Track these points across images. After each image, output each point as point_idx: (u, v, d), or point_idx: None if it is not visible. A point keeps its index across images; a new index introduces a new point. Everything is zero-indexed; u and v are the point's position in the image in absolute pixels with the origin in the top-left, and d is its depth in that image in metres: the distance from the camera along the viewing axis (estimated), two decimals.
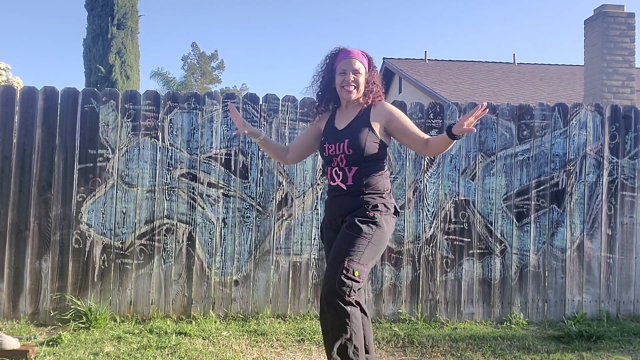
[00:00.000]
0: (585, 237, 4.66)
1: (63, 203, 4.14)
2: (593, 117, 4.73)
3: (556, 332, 4.16)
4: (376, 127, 2.63)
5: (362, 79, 2.64)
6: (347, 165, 2.58)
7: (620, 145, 4.75)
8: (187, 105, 4.32)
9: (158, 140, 4.28)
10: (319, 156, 4.35)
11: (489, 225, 4.56)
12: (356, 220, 2.50)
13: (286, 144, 4.29)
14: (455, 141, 2.51)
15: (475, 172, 4.56)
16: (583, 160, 4.69)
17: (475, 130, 2.39)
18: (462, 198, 4.54)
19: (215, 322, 4.13)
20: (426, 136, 2.64)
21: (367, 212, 2.52)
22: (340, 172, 2.60)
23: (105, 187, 4.19)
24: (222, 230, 4.31)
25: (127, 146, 4.24)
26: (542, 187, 4.64)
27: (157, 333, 3.81)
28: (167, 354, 3.38)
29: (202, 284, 4.27)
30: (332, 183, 2.65)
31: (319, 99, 2.78)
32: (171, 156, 4.29)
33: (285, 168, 4.39)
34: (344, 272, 2.38)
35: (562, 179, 4.66)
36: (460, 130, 2.39)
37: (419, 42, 57.09)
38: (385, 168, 2.69)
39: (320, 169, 4.42)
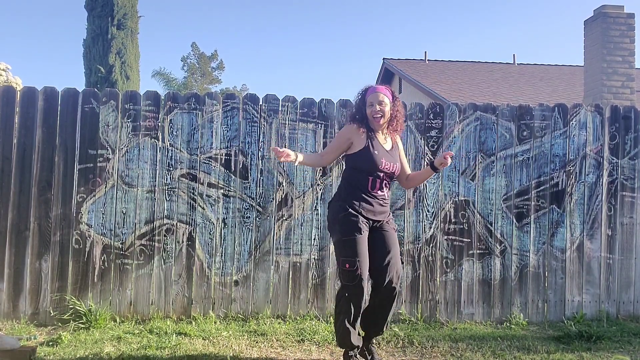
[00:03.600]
0: (585, 237, 4.66)
1: (63, 203, 4.14)
2: (593, 117, 4.74)
3: (556, 333, 4.16)
4: None
5: (387, 108, 3.25)
6: (387, 180, 3.26)
7: (620, 145, 4.75)
8: (187, 105, 4.33)
9: (158, 140, 4.28)
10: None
11: (489, 226, 4.56)
12: (394, 227, 3.35)
13: (285, 144, 4.37)
14: (433, 173, 3.33)
15: (475, 173, 4.56)
16: (583, 161, 4.69)
17: (449, 163, 3.18)
18: (462, 198, 4.55)
19: (215, 322, 4.13)
20: (410, 171, 3.48)
21: (393, 220, 3.40)
22: (384, 186, 3.25)
23: (106, 187, 4.20)
24: (222, 231, 4.31)
25: (127, 146, 4.24)
26: (542, 188, 4.64)
27: (157, 333, 3.81)
28: (167, 354, 3.38)
29: (202, 284, 4.27)
30: (379, 192, 3.23)
31: (357, 119, 3.34)
32: (171, 156, 4.29)
33: (285, 168, 4.39)
34: (402, 264, 3.40)
35: (562, 179, 4.66)
36: (439, 162, 3.18)
37: (419, 42, 57.14)
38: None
39: (320, 169, 4.42)
